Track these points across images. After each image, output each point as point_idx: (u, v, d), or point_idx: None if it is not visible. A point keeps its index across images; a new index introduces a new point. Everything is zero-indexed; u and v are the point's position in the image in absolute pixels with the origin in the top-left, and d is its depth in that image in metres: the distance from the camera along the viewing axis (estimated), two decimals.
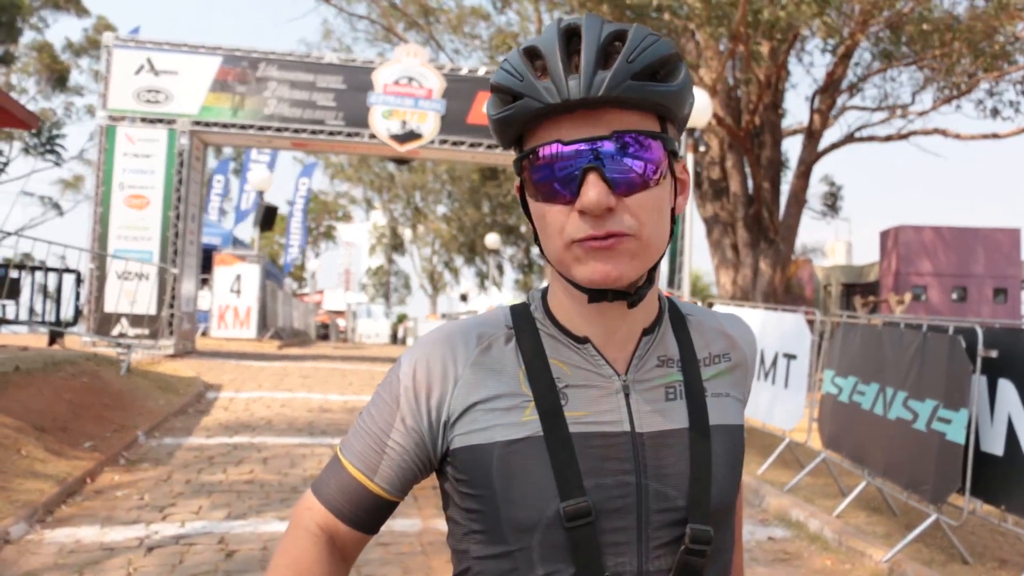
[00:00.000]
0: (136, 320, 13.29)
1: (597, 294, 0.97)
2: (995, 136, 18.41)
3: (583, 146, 0.92)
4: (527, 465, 0.97)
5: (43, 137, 30.99)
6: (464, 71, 15.59)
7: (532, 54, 0.95)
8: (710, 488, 1.01)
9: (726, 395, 1.10)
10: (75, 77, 34.15)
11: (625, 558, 0.97)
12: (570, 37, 0.94)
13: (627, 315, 1.03)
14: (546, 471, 0.97)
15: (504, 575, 0.99)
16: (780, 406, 7.47)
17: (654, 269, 1.00)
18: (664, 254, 1.01)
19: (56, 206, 35.61)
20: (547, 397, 1.00)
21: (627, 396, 1.02)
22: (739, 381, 1.14)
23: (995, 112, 18.62)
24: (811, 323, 7.61)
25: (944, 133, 18.68)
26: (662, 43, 0.94)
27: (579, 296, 1.01)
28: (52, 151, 31.75)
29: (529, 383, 1.01)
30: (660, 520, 0.99)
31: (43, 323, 11.78)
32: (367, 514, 1.06)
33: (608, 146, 0.92)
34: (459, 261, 51.26)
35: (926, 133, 19.10)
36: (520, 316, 1.08)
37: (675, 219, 1.02)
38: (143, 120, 14.30)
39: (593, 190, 0.90)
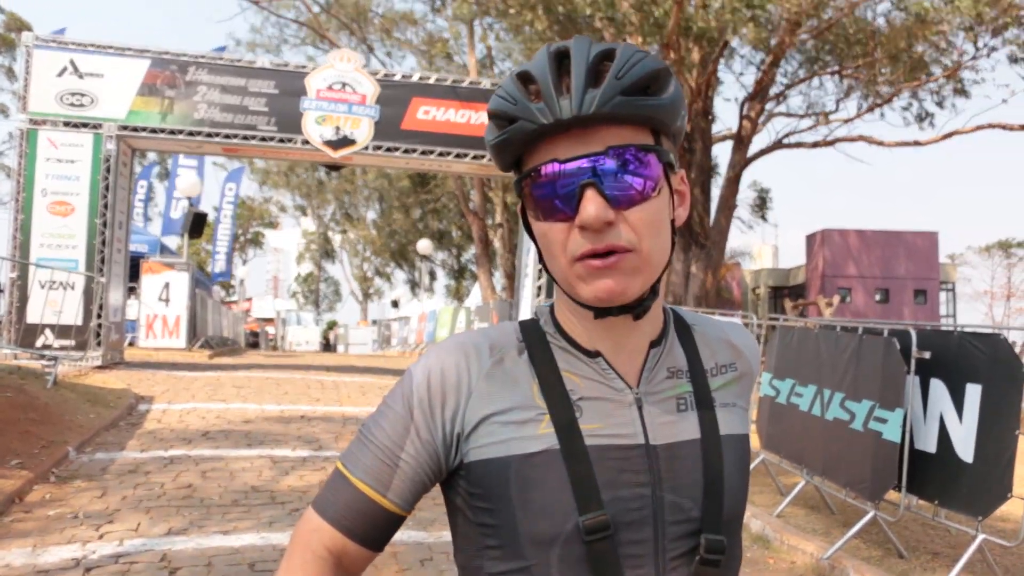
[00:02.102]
0: (63, 331, 12.81)
1: (602, 310, 0.99)
2: (916, 143, 19.10)
3: (579, 163, 0.94)
4: (545, 479, 0.97)
5: None
6: (398, 76, 15.50)
7: (525, 79, 0.97)
8: (723, 498, 1.03)
9: (733, 405, 1.12)
10: None
11: (643, 570, 0.98)
12: (560, 60, 0.96)
13: (634, 328, 1.05)
14: (564, 485, 0.97)
15: None
16: None
17: (658, 281, 1.02)
18: (668, 266, 1.03)
19: None
20: (562, 410, 1.00)
21: (640, 409, 1.03)
22: (744, 391, 1.16)
23: (920, 119, 19.32)
24: (746, 327, 7.77)
25: (868, 140, 19.31)
26: (650, 59, 0.96)
27: (585, 312, 1.02)
28: None
29: (543, 396, 1.01)
30: (676, 531, 1.00)
31: None
32: (379, 531, 1.04)
33: (604, 162, 0.93)
34: (394, 267, 50.91)
35: (851, 140, 19.70)
36: (530, 330, 1.08)
37: (675, 231, 1.04)
38: (67, 124, 13.82)
39: (591, 205, 0.92)
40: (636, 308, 1.00)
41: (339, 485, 1.05)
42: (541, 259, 1.03)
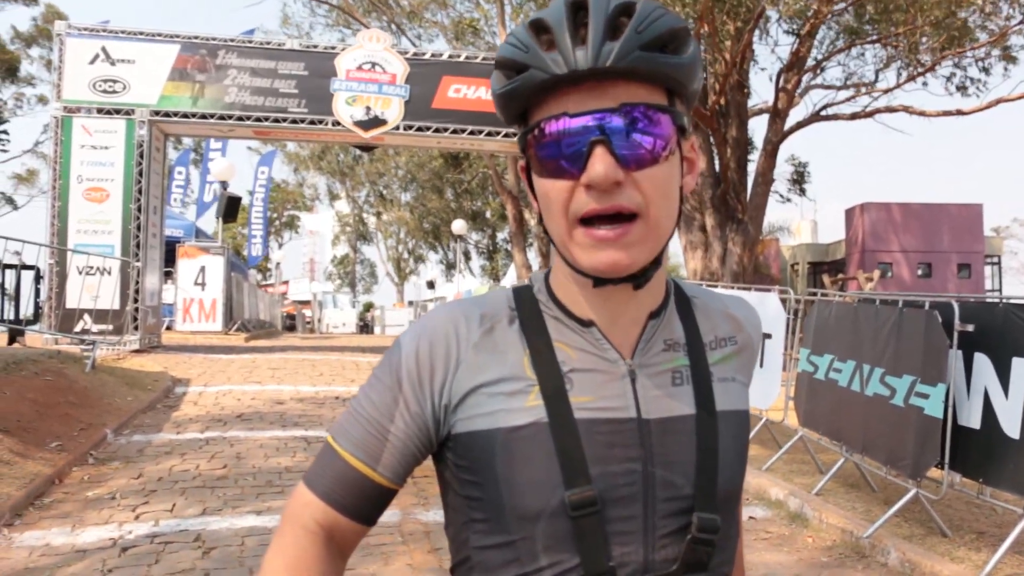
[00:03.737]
0: (100, 316, 12.98)
1: (601, 280, 0.94)
2: (959, 112, 18.59)
3: (590, 119, 0.89)
4: (531, 452, 0.94)
5: None
6: (428, 55, 15.41)
7: (539, 27, 0.92)
8: (717, 476, 0.99)
9: (732, 379, 1.08)
10: (26, 67, 33.42)
11: (631, 548, 0.95)
12: (576, 11, 0.90)
13: (633, 298, 1.00)
14: (551, 458, 0.94)
15: (505, 565, 0.96)
16: (756, 385, 7.45)
17: (662, 251, 0.97)
18: (673, 234, 0.97)
19: (10, 201, 34.89)
20: (552, 381, 0.97)
21: (633, 381, 0.99)
22: (744, 365, 1.11)
23: (961, 88, 18.81)
24: (784, 302, 7.63)
25: (908, 110, 18.83)
26: (671, 16, 0.91)
27: (583, 280, 0.97)
28: None
29: (533, 367, 0.98)
30: (667, 509, 0.96)
31: (2, 321, 11.50)
32: (370, 505, 1.01)
33: (616, 119, 0.89)
34: (427, 248, 51.09)
35: (891, 111, 19.24)
36: (523, 298, 1.04)
37: (683, 199, 0.98)
38: (100, 111, 13.94)
39: (600, 163, 0.87)
40: (638, 278, 0.95)
41: (329, 459, 1.02)
42: (540, 220, 0.98)
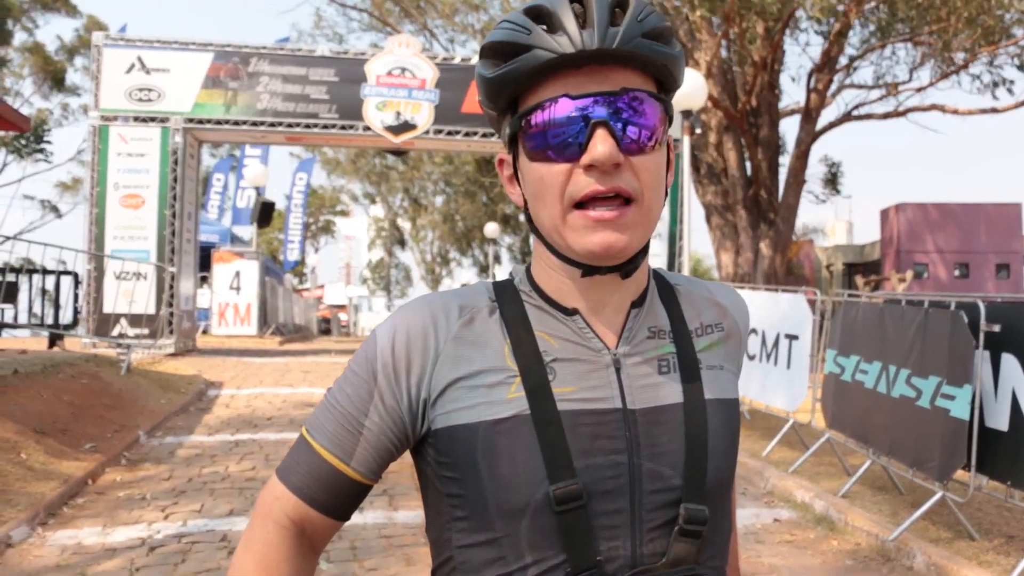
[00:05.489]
0: (135, 320, 13.25)
1: (591, 269, 0.95)
2: (994, 111, 18.31)
3: (590, 101, 0.90)
4: (513, 446, 0.92)
5: (29, 138, 30.90)
6: (457, 60, 15.51)
7: (537, 14, 0.92)
8: (706, 467, 0.97)
9: (720, 367, 1.06)
10: (71, 77, 34.09)
11: (618, 542, 0.93)
12: (572, 1, 0.92)
13: (618, 286, 1.00)
14: (534, 452, 0.92)
15: (490, 564, 0.94)
16: (783, 387, 7.43)
17: (648, 240, 0.98)
18: (655, 227, 0.98)
19: (55, 209, 35.57)
20: (534, 372, 0.95)
21: (618, 371, 0.97)
22: (732, 352, 1.10)
23: (995, 85, 18.50)
24: (812, 303, 7.56)
25: (942, 109, 18.56)
26: (660, 14, 0.94)
27: (570, 269, 0.97)
28: (40, 151, 31.65)
29: (515, 357, 0.96)
30: (654, 501, 0.94)
31: (43, 326, 11.75)
32: (343, 500, 1.00)
33: (618, 103, 0.90)
34: (457, 252, 51.19)
35: (924, 109, 18.98)
36: (503, 288, 1.03)
37: (666, 193, 0.99)
38: (136, 119, 14.22)
39: (603, 144, 0.88)
40: (627, 266, 0.96)
41: (302, 452, 1.00)
42: (526, 209, 0.99)
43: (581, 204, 0.91)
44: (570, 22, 0.89)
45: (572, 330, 0.98)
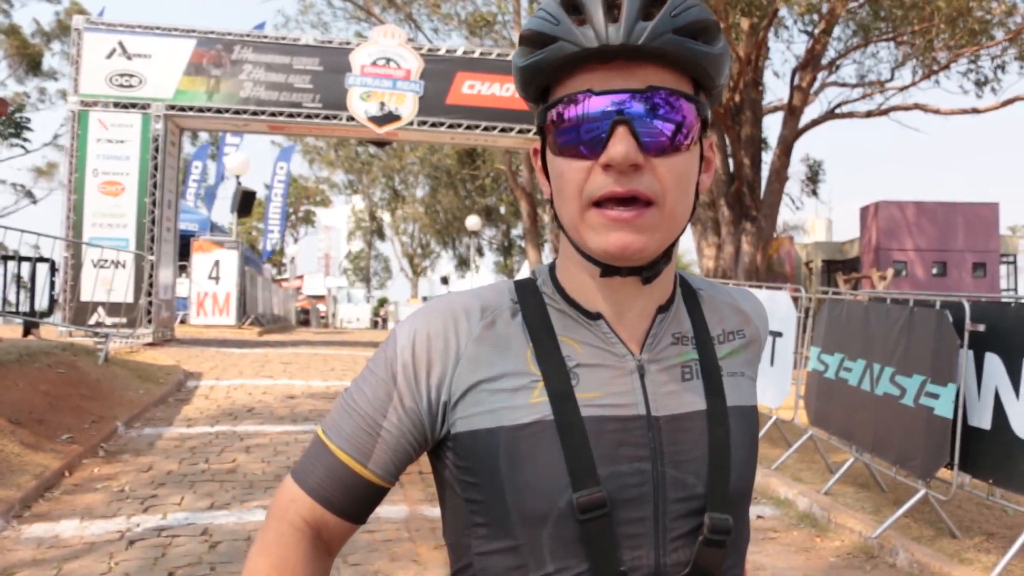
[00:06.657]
0: (113, 309, 13.06)
1: (610, 269, 0.92)
2: (974, 111, 18.45)
3: (615, 98, 0.87)
4: (536, 452, 0.90)
5: (7, 122, 30.48)
6: (442, 51, 15.41)
7: (571, 5, 0.89)
8: (729, 475, 0.95)
9: (741, 374, 1.04)
10: (48, 61, 33.65)
11: (642, 551, 0.91)
12: None
13: (643, 291, 0.97)
14: (557, 459, 0.89)
15: (511, 571, 0.92)
16: (766, 384, 7.44)
17: (673, 245, 0.94)
18: (684, 230, 0.95)
19: (29, 194, 35.13)
20: (557, 377, 0.92)
21: (642, 377, 0.95)
22: (752, 359, 1.08)
23: (979, 84, 18.64)
24: (796, 300, 7.59)
25: (924, 108, 18.70)
26: (704, 8, 0.90)
27: (592, 269, 0.94)
28: (18, 135, 31.22)
29: (537, 361, 0.93)
30: (678, 510, 0.93)
31: (17, 313, 11.57)
32: (359, 503, 0.98)
33: (641, 101, 0.87)
34: (438, 245, 51.11)
35: (906, 108, 19.11)
36: (526, 290, 1.00)
37: (698, 196, 0.96)
38: (116, 105, 14.01)
39: (621, 143, 0.85)
40: (647, 271, 0.93)
41: (318, 453, 0.98)
42: (552, 204, 0.96)
43: (600, 202, 0.88)
44: (598, 15, 0.86)
45: (596, 335, 0.96)
